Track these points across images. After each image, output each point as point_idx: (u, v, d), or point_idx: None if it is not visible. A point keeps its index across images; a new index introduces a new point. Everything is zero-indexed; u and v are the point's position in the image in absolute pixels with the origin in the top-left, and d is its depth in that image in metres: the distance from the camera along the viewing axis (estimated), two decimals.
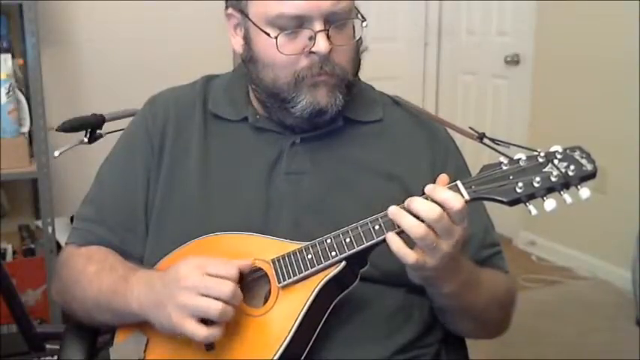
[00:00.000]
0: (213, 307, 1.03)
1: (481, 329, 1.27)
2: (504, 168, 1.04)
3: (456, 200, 1.01)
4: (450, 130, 1.35)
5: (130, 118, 1.39)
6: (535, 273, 3.63)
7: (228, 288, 1.04)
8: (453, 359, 1.30)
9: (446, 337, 1.28)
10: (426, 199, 1.02)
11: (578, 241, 3.70)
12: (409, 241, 1.03)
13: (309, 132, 1.23)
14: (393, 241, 1.02)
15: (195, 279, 1.05)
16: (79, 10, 3.15)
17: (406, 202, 1.03)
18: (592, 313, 3.23)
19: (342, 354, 1.15)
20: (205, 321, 1.05)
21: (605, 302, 3.34)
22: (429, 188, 1.02)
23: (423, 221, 1.00)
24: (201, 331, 1.04)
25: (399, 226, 1.03)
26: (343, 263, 1.08)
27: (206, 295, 1.04)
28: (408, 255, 1.02)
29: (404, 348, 1.20)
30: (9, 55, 2.68)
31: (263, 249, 1.13)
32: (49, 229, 2.74)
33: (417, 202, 1.01)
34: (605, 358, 2.76)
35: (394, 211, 1.03)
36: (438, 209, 1.00)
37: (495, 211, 1.23)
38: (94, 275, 1.21)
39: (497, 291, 1.24)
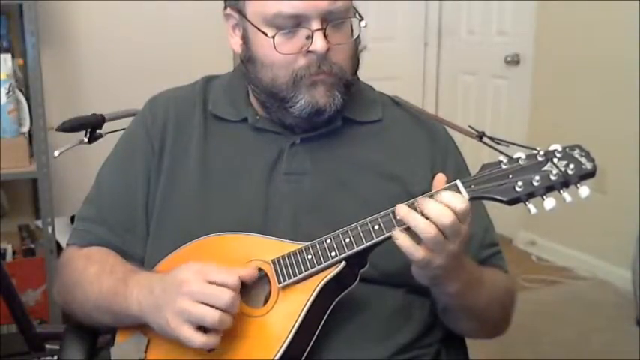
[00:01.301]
0: (210, 315, 1.03)
1: (482, 328, 1.27)
2: (504, 167, 1.04)
3: (459, 202, 1.01)
4: (449, 130, 1.35)
5: (130, 118, 1.39)
6: (535, 273, 3.63)
7: (227, 296, 1.03)
8: (452, 359, 1.30)
9: (446, 337, 1.28)
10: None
11: (578, 241, 3.70)
12: (414, 239, 1.03)
13: (309, 132, 1.23)
14: (401, 237, 1.02)
15: (195, 285, 1.04)
16: (79, 10, 3.15)
17: (417, 203, 1.03)
18: (592, 313, 3.23)
19: (343, 354, 1.15)
20: (203, 327, 1.04)
21: (605, 302, 3.34)
22: (432, 194, 1.03)
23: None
24: (197, 339, 1.04)
25: (400, 225, 1.03)
26: (343, 263, 1.08)
27: (204, 303, 1.03)
28: (417, 251, 1.02)
29: (404, 348, 1.20)
30: (9, 55, 2.68)
31: (263, 249, 1.13)
32: (49, 229, 2.74)
33: (429, 206, 1.01)
34: (605, 358, 2.76)
35: (405, 212, 1.02)
36: (450, 214, 1.00)
37: (495, 211, 1.23)
38: (95, 277, 1.21)
39: (498, 290, 1.24)
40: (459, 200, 1.01)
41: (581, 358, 2.75)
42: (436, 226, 1.00)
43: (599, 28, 3.49)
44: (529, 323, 2.94)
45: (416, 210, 1.02)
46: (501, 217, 1.42)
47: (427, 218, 1.01)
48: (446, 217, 1.00)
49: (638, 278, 3.04)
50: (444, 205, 1.01)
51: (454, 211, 1.01)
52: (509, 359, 2.72)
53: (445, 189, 1.04)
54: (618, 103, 3.42)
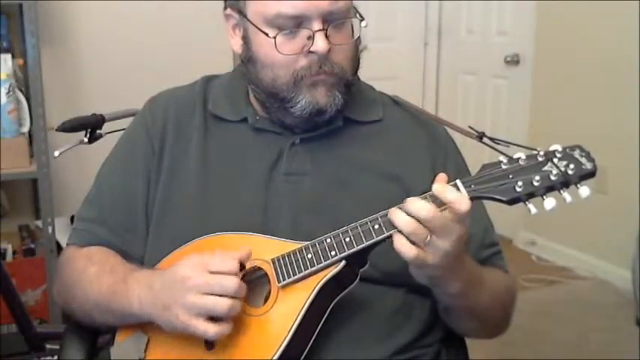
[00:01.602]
0: (221, 304, 1.04)
1: (483, 328, 1.27)
2: (504, 167, 1.04)
3: (462, 202, 1.01)
4: (449, 130, 1.35)
5: (130, 118, 1.39)
6: (535, 273, 3.63)
7: (232, 283, 1.04)
8: (452, 359, 1.30)
9: (446, 337, 1.28)
10: (425, 198, 1.02)
11: (578, 241, 3.70)
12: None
13: (309, 132, 1.23)
14: (396, 237, 1.03)
15: (199, 278, 1.05)
16: (79, 10, 3.15)
17: (403, 204, 1.03)
18: (592, 313, 3.23)
19: (342, 354, 1.15)
20: (212, 318, 1.05)
21: (605, 302, 3.34)
22: (437, 189, 1.02)
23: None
24: (212, 329, 1.05)
25: None
26: (343, 263, 1.08)
27: (213, 294, 1.04)
28: (409, 250, 1.02)
29: (404, 348, 1.20)
30: (9, 55, 2.68)
31: (263, 249, 1.13)
32: (49, 229, 2.74)
33: (409, 202, 1.02)
34: (605, 358, 2.76)
35: (390, 210, 1.04)
36: (429, 207, 1.00)
37: (495, 211, 1.23)
38: (95, 276, 1.21)
39: (499, 290, 1.24)
40: (457, 196, 1.01)
41: (581, 358, 2.75)
42: (418, 221, 1.00)
43: (599, 28, 3.49)
44: (529, 323, 2.94)
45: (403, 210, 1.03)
46: (501, 217, 1.42)
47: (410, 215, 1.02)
48: (424, 211, 1.00)
49: (638, 278, 3.04)
50: (435, 202, 1.01)
51: (453, 209, 1.00)
52: (509, 359, 2.72)
53: None
54: (618, 103, 3.42)
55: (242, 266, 1.07)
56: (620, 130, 3.38)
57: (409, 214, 1.01)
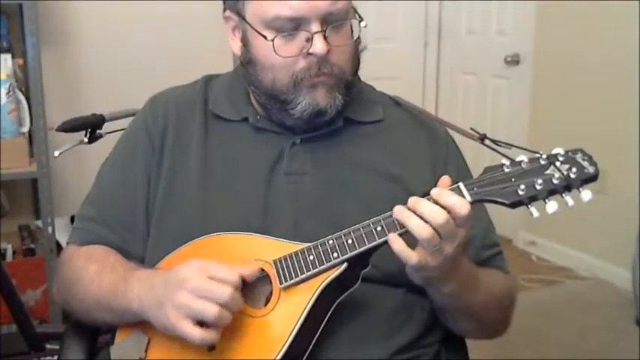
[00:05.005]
0: (210, 311, 1.03)
1: (481, 329, 1.27)
2: (506, 170, 1.04)
3: (462, 206, 1.01)
4: (450, 131, 1.35)
5: (130, 118, 1.39)
6: (535, 273, 3.63)
7: (226, 292, 1.03)
8: (452, 359, 1.30)
9: (446, 337, 1.28)
10: (429, 201, 1.02)
11: (578, 241, 3.70)
12: (410, 242, 1.03)
13: (310, 132, 1.23)
14: (396, 241, 1.03)
15: (195, 281, 1.05)
16: (79, 10, 3.15)
17: (411, 204, 1.03)
18: (592, 313, 3.23)
19: (343, 354, 1.15)
20: (204, 323, 1.04)
21: (605, 302, 3.34)
22: (435, 192, 1.02)
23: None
24: (195, 333, 1.04)
25: (401, 227, 1.03)
26: (345, 264, 1.08)
27: (204, 298, 1.03)
28: (411, 256, 1.02)
29: (404, 348, 1.20)
30: (9, 55, 2.68)
31: (264, 249, 1.13)
32: (49, 229, 2.74)
33: (423, 205, 1.01)
34: (605, 358, 2.77)
35: (400, 211, 1.03)
36: (444, 214, 1.00)
37: (495, 211, 1.23)
38: (95, 274, 1.21)
39: (497, 291, 1.24)
40: (457, 200, 1.01)
41: (581, 358, 2.75)
42: (430, 225, 1.00)
43: (599, 28, 3.49)
44: (529, 323, 2.95)
45: (413, 211, 1.02)
46: (501, 217, 1.42)
47: (421, 218, 1.01)
48: (439, 217, 1.00)
49: (638, 278, 3.04)
50: (439, 205, 1.01)
51: (453, 213, 1.00)
52: (509, 359, 2.72)
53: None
54: (618, 103, 3.42)
55: (244, 282, 1.07)
56: (620, 131, 3.38)
57: (423, 219, 1.01)
